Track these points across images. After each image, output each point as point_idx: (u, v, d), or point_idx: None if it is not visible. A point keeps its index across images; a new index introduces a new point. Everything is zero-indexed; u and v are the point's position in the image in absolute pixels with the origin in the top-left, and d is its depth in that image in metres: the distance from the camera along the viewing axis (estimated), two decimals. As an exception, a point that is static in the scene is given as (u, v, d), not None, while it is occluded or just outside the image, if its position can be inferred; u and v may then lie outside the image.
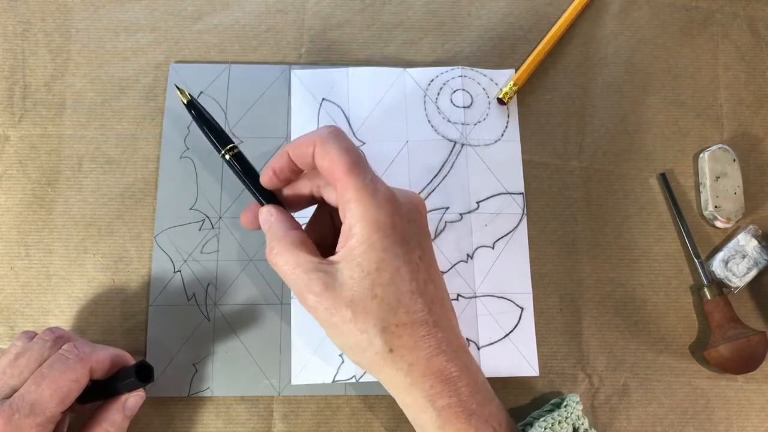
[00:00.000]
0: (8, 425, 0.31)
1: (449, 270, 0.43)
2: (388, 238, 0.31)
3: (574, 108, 0.47)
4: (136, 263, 0.42)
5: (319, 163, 0.32)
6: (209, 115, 0.38)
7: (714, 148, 0.45)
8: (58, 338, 0.35)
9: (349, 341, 0.31)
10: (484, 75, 0.46)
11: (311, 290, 0.31)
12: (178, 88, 0.38)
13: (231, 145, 0.37)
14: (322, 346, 0.41)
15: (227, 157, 0.36)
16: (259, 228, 0.37)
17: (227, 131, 0.44)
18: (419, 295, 0.31)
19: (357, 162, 0.32)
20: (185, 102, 0.38)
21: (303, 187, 0.36)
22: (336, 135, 0.32)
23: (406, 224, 0.32)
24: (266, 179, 0.35)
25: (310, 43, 0.47)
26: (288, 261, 0.32)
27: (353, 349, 0.32)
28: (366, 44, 0.47)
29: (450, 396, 0.31)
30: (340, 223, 0.33)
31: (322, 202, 0.37)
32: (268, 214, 0.35)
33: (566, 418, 0.36)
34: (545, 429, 0.35)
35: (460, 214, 0.44)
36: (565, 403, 0.38)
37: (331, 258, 0.32)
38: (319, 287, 0.31)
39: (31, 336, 0.36)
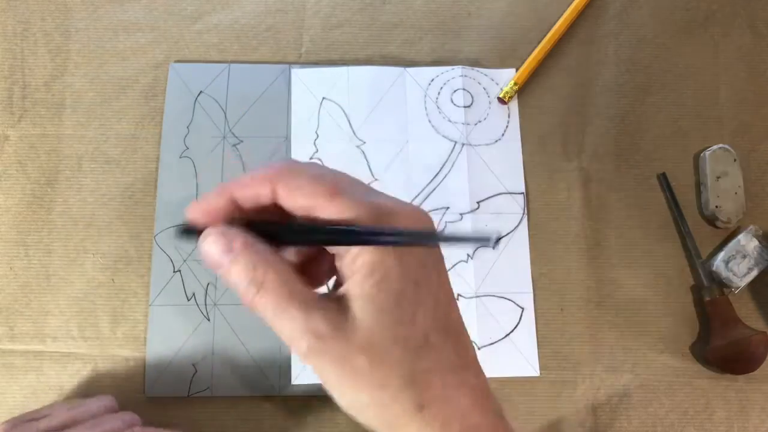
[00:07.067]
0: None
1: (449, 270, 0.43)
2: (404, 265, 0.24)
3: (574, 108, 0.47)
4: (136, 263, 0.42)
5: (290, 204, 0.25)
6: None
7: (715, 147, 0.45)
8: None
9: (363, 398, 0.24)
10: (485, 74, 0.46)
11: (314, 332, 0.23)
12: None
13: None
14: (322, 346, 0.41)
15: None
16: None
17: (227, 131, 0.44)
18: (444, 332, 0.25)
19: (342, 180, 0.25)
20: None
21: (321, 260, 0.28)
22: (296, 165, 0.26)
23: None
24: (197, 215, 0.25)
25: (310, 43, 0.47)
26: (278, 298, 0.24)
27: (369, 407, 0.24)
28: (366, 44, 0.47)
29: None
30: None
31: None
32: (226, 247, 0.24)
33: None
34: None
35: (461, 214, 0.44)
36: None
37: (335, 292, 0.25)
38: (325, 328, 0.23)
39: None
